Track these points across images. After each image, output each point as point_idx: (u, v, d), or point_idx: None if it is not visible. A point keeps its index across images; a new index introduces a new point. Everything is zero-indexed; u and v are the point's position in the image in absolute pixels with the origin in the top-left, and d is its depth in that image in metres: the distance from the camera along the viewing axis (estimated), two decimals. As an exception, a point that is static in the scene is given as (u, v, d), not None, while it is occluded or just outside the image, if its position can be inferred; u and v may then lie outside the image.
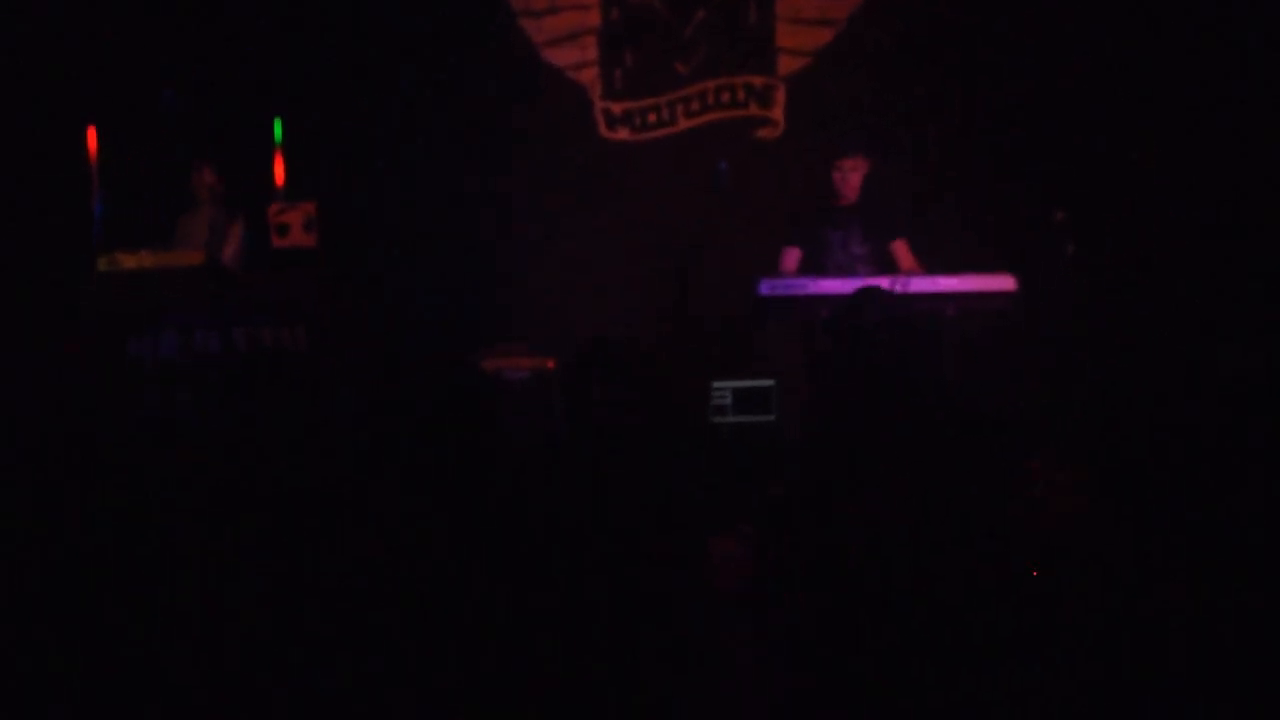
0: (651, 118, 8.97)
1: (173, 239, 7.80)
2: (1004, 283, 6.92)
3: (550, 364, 7.44)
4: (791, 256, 7.48)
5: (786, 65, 8.94)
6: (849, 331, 5.03)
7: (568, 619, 3.64)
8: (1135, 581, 3.53)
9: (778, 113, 8.94)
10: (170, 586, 3.74)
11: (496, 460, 4.31)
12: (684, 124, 8.97)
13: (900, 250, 7.41)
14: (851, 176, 7.42)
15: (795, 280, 7.14)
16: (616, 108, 8.98)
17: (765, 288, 6.97)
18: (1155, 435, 4.07)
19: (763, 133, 8.95)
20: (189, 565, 3.80)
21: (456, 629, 3.60)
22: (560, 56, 8.97)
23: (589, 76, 8.97)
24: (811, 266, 7.41)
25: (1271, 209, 7.27)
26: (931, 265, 7.27)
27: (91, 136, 7.14)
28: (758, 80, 8.94)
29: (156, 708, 3.46)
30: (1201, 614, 3.41)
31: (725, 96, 8.96)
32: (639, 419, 4.96)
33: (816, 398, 6.87)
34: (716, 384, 7.35)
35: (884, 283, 6.85)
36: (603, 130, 8.99)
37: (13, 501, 4.25)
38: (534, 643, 3.57)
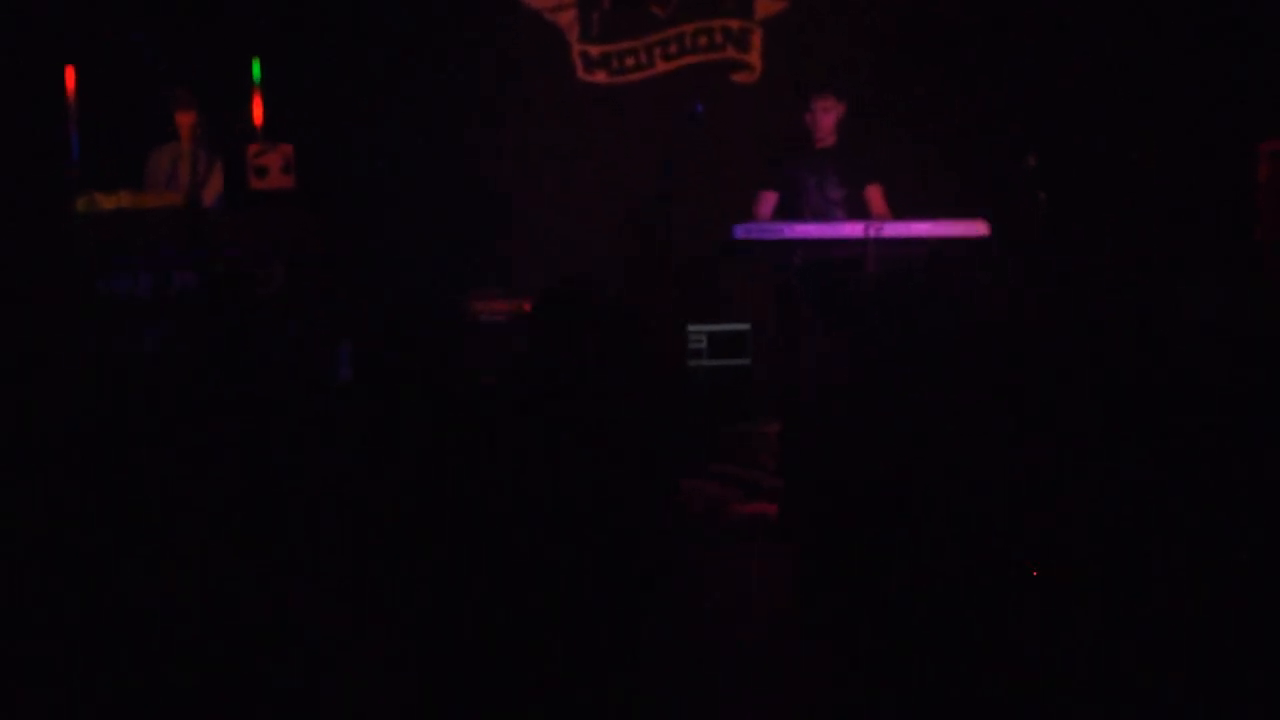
0: (629, 61, 8.97)
1: (144, 173, 7.78)
2: (976, 228, 6.97)
3: (527, 306, 7.48)
4: (767, 201, 7.50)
5: (764, 9, 8.94)
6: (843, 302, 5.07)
7: (542, 563, 3.68)
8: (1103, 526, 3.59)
9: (755, 57, 8.95)
10: (146, 526, 3.77)
11: (464, 401, 4.35)
12: (661, 67, 8.98)
13: (874, 195, 7.44)
14: (823, 118, 7.41)
15: (770, 225, 7.18)
16: (594, 50, 8.98)
17: (740, 232, 7.00)
18: (1124, 379, 4.12)
19: (740, 76, 8.96)
20: (163, 504, 3.84)
21: (427, 572, 3.65)
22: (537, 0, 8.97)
23: (566, 19, 8.96)
24: (788, 210, 7.43)
25: (1242, 150, 7.31)
26: (904, 210, 7.31)
27: (69, 76, 7.13)
28: (735, 24, 8.95)
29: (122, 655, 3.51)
30: (1166, 561, 3.47)
31: (703, 40, 8.97)
32: (612, 361, 4.99)
33: (790, 342, 6.92)
34: (692, 328, 7.41)
35: (858, 228, 6.90)
36: (580, 73, 8.98)
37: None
38: (506, 588, 3.61)
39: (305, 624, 3.59)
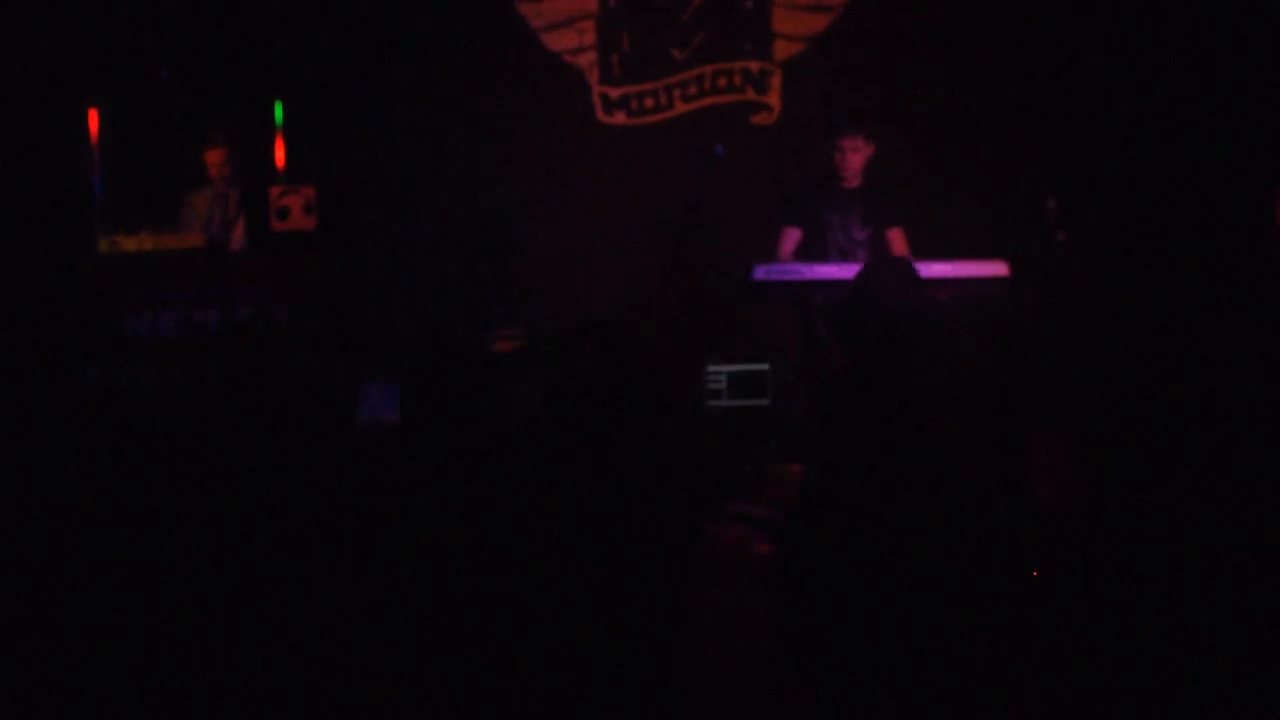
0: (649, 102, 9.01)
1: (178, 217, 7.82)
2: (997, 269, 6.96)
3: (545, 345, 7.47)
4: (790, 237, 7.48)
5: (783, 50, 8.97)
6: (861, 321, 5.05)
7: (561, 599, 3.67)
8: (1127, 562, 3.58)
9: (774, 98, 8.98)
10: (165, 556, 3.78)
11: (486, 439, 4.35)
12: (681, 108, 9.01)
13: (895, 238, 7.43)
14: (852, 157, 7.38)
15: (790, 266, 7.17)
16: (614, 92, 9.02)
17: (760, 272, 6.99)
18: (1147, 420, 4.11)
19: (759, 118, 8.99)
20: (183, 536, 3.85)
21: (444, 607, 3.64)
22: (558, 41, 9.00)
23: (586, 61, 9.01)
24: (810, 248, 7.43)
25: (1260, 193, 7.31)
26: (925, 251, 7.30)
27: (93, 118, 7.17)
28: (754, 65, 8.99)
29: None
30: (1192, 592, 3.45)
31: (722, 81, 9.00)
32: (631, 402, 4.98)
33: (811, 381, 6.91)
34: (711, 368, 7.40)
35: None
36: (600, 114, 9.02)
37: (11, 480, 4.28)
38: (525, 626, 3.61)
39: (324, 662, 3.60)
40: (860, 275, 4.55)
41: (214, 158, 7.80)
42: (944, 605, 3.49)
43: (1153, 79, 8.39)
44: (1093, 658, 3.40)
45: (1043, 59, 8.51)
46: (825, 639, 3.60)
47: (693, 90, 8.99)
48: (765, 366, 7.48)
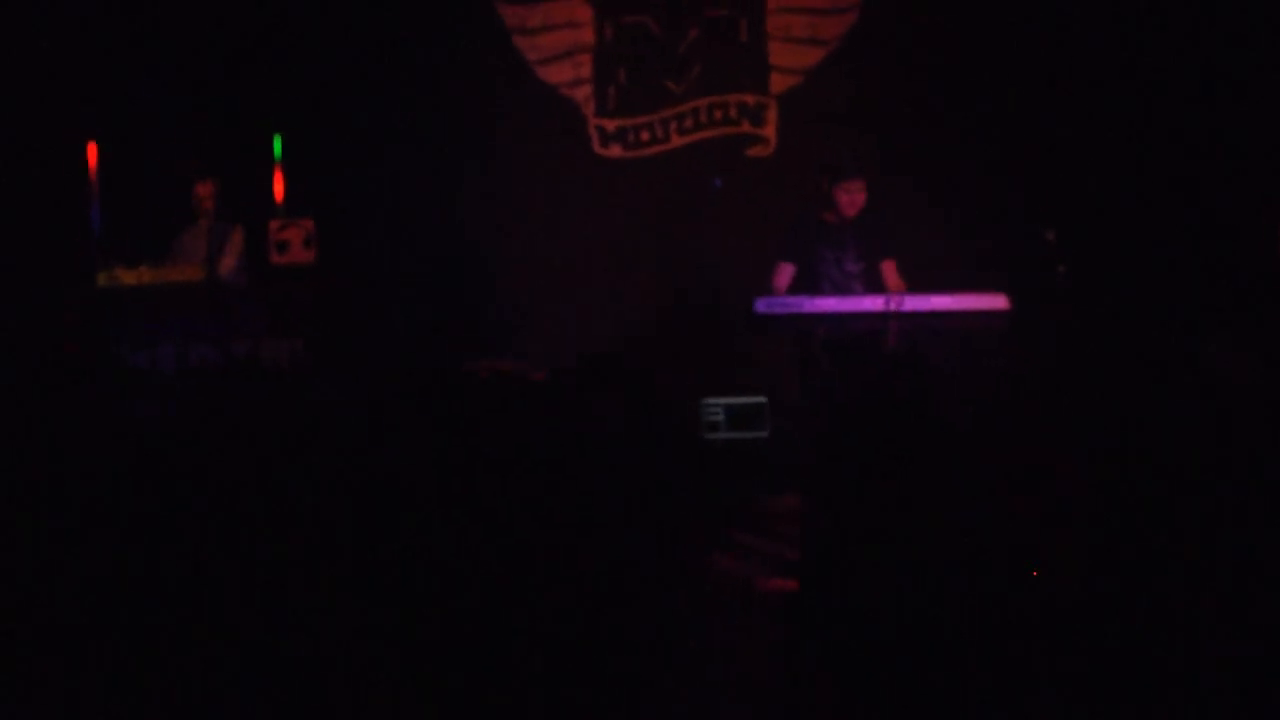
0: (645, 135, 9.03)
1: (170, 253, 7.82)
2: (996, 302, 6.98)
3: (539, 376, 7.47)
4: (785, 272, 7.51)
5: (779, 83, 9.01)
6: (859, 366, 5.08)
7: (561, 635, 3.67)
8: (1134, 587, 3.59)
9: (770, 130, 9.01)
10: (166, 593, 3.78)
11: (489, 473, 4.35)
12: (677, 141, 9.03)
13: (888, 270, 7.46)
14: (854, 199, 7.45)
15: (791, 299, 7.19)
16: (610, 125, 9.04)
17: (761, 306, 7.00)
18: (1148, 450, 4.12)
19: (755, 151, 9.01)
20: (182, 572, 3.84)
21: (447, 644, 3.64)
22: (554, 74, 9.03)
23: (583, 94, 9.03)
24: (804, 282, 7.45)
25: (1261, 221, 7.35)
26: (924, 284, 7.32)
27: (92, 152, 7.18)
28: (750, 99, 9.02)
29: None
30: (1199, 615, 3.47)
31: (718, 114, 9.03)
32: (631, 435, 5.00)
33: (816, 412, 6.91)
34: (708, 401, 7.40)
35: (878, 302, 6.91)
36: (596, 147, 9.05)
37: (12, 516, 4.27)
38: (526, 660, 3.60)
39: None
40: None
41: (203, 190, 7.82)
42: (962, 636, 3.50)
43: (1152, 110, 8.42)
44: (1119, 693, 3.40)
45: (1040, 90, 8.54)
46: (846, 672, 3.60)
47: (689, 123, 9.02)
48: (763, 399, 7.49)
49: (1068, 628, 3.55)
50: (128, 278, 7.07)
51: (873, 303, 6.96)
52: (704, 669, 4.27)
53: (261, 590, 3.80)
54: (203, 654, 3.61)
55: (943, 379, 5.30)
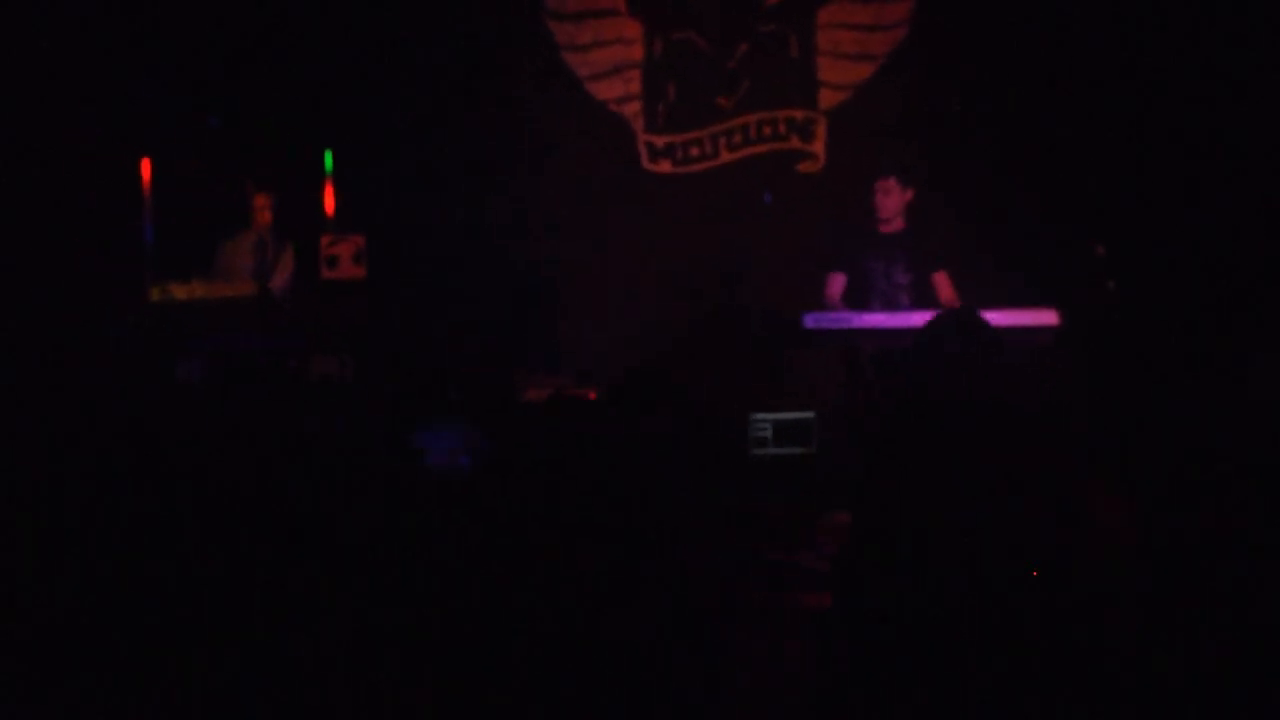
0: (694, 151, 9.04)
1: (214, 265, 7.87)
2: (1046, 317, 6.95)
3: (592, 395, 7.48)
4: (836, 282, 7.52)
5: (828, 99, 9.00)
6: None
7: (601, 647, 3.68)
8: (1179, 605, 3.57)
9: (819, 146, 9.00)
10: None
11: (531, 490, 4.35)
12: (726, 157, 9.04)
13: (941, 282, 7.45)
14: (884, 200, 7.45)
15: (840, 314, 7.19)
16: (659, 141, 9.06)
17: (810, 321, 7.01)
18: (1201, 466, 4.09)
19: (804, 166, 9.01)
20: (223, 586, 3.86)
21: (478, 650, 3.65)
22: (604, 90, 9.06)
23: (632, 110, 9.06)
24: (854, 293, 7.45)
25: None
26: (973, 299, 7.30)
27: (145, 167, 7.24)
28: (799, 114, 9.02)
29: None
30: (1245, 637, 3.44)
31: (767, 130, 9.03)
32: (678, 451, 4.99)
33: (861, 426, 6.89)
34: (756, 416, 7.39)
35: (927, 317, 6.88)
36: (645, 163, 9.07)
37: (62, 530, 4.31)
38: (559, 672, 3.61)
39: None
40: (926, 329, 4.55)
41: (260, 201, 7.87)
42: (1000, 653, 3.48)
43: (1204, 124, 8.37)
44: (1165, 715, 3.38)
45: (1091, 105, 8.50)
46: (879, 688, 3.58)
47: (738, 139, 9.02)
48: (811, 415, 7.47)
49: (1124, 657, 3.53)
50: (180, 293, 7.12)
51: (922, 317, 6.93)
52: (734, 682, 4.27)
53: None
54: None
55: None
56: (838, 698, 3.79)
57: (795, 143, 9.01)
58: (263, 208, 7.86)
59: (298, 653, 3.68)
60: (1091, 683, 3.46)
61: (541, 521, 4.01)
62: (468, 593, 3.76)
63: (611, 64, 9.04)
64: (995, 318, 6.83)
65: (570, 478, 4.44)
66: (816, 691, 3.98)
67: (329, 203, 7.32)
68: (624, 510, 4.13)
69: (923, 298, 7.34)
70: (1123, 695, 3.44)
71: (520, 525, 3.91)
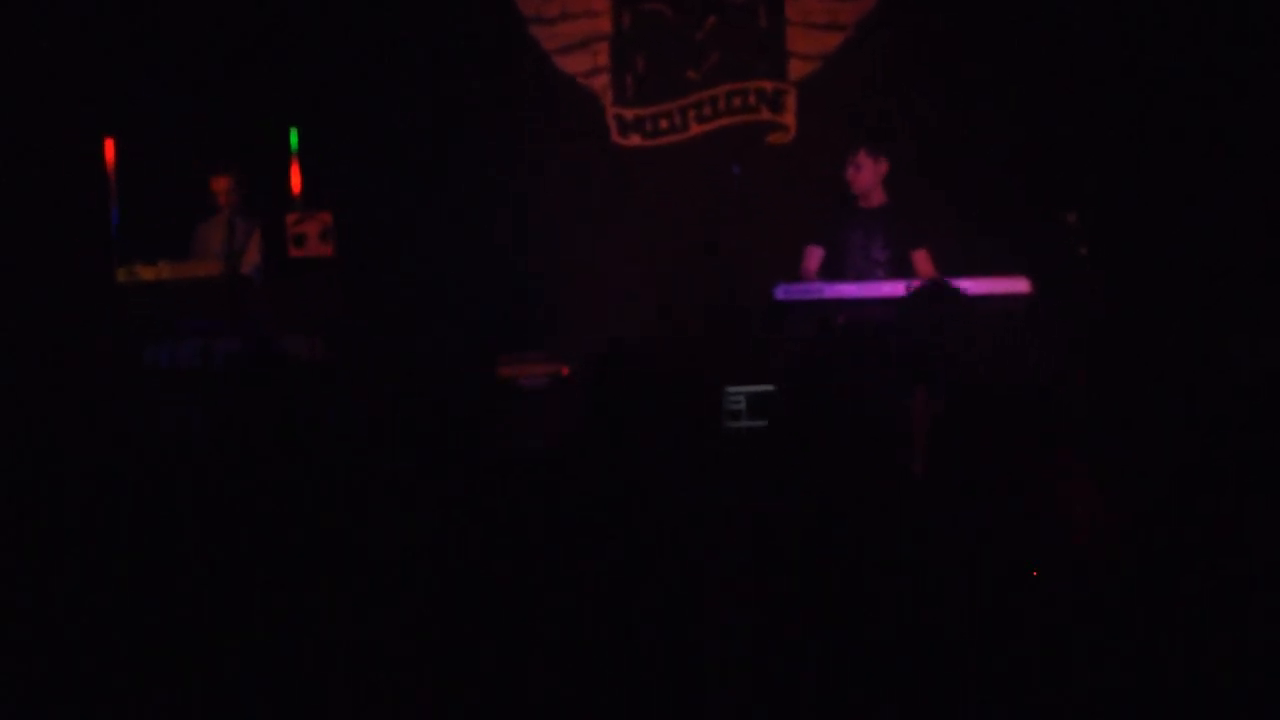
0: (663, 124, 9.00)
1: (190, 248, 7.82)
2: (1017, 285, 6.94)
3: (565, 370, 7.45)
4: (814, 255, 7.51)
5: (797, 70, 8.97)
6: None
7: (583, 629, 3.65)
8: (1154, 588, 3.54)
9: (789, 117, 8.97)
10: (179, 591, 3.77)
11: (508, 467, 4.33)
12: (696, 129, 9.00)
13: (921, 259, 7.42)
14: (856, 174, 7.42)
15: (811, 285, 7.17)
16: (628, 114, 9.01)
17: (781, 293, 6.99)
18: (1172, 436, 4.07)
19: (774, 137, 8.98)
20: (198, 570, 3.83)
21: (463, 638, 3.62)
22: (572, 64, 9.00)
23: (601, 83, 9.01)
24: (831, 267, 7.43)
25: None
26: (945, 267, 7.29)
27: (109, 149, 7.18)
28: (769, 85, 8.98)
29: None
30: (1219, 617, 3.42)
31: (737, 101, 8.99)
32: (654, 424, 4.96)
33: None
34: (731, 389, 7.37)
35: (899, 287, 6.87)
36: (615, 136, 9.02)
37: (26, 512, 4.27)
38: (545, 656, 3.58)
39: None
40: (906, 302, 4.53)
41: (220, 184, 7.79)
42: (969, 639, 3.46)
43: (1175, 89, 8.36)
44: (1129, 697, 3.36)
45: (1060, 72, 8.48)
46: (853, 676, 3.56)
47: (708, 111, 8.98)
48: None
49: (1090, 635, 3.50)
50: (146, 274, 7.06)
51: (893, 288, 6.92)
52: (715, 672, 4.25)
53: (264, 589, 3.79)
54: (202, 654, 3.60)
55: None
56: (837, 696, 3.76)
57: (765, 114, 8.98)
58: (222, 190, 7.77)
59: (297, 653, 3.65)
60: (1081, 679, 3.43)
61: (541, 521, 3.98)
62: (467, 593, 3.73)
63: (579, 37, 8.98)
64: (966, 286, 6.89)
65: (570, 476, 4.41)
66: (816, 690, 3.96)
67: (295, 181, 7.27)
68: (623, 509, 4.10)
69: (899, 274, 7.31)
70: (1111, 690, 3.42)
71: (520, 525, 3.88)
